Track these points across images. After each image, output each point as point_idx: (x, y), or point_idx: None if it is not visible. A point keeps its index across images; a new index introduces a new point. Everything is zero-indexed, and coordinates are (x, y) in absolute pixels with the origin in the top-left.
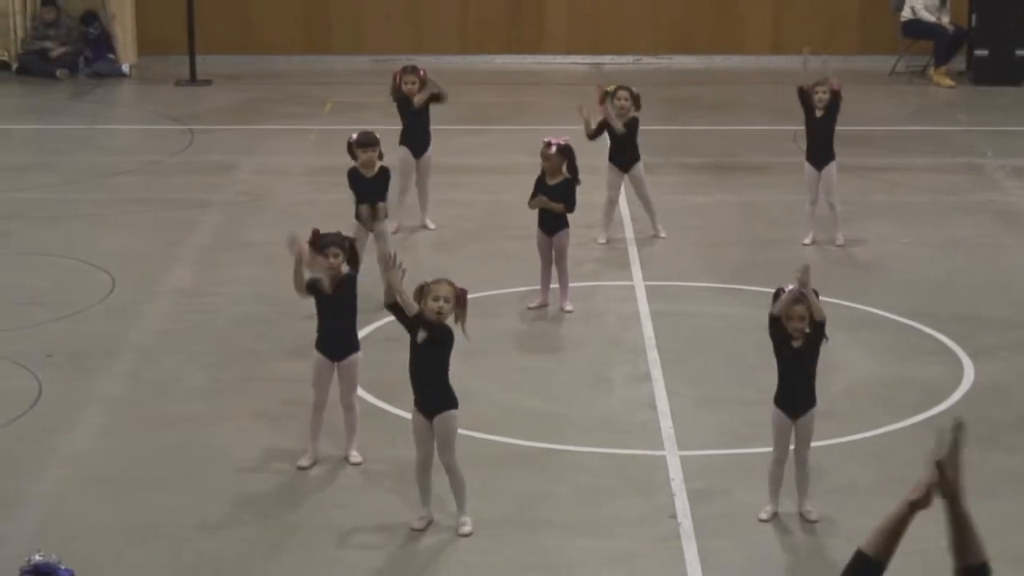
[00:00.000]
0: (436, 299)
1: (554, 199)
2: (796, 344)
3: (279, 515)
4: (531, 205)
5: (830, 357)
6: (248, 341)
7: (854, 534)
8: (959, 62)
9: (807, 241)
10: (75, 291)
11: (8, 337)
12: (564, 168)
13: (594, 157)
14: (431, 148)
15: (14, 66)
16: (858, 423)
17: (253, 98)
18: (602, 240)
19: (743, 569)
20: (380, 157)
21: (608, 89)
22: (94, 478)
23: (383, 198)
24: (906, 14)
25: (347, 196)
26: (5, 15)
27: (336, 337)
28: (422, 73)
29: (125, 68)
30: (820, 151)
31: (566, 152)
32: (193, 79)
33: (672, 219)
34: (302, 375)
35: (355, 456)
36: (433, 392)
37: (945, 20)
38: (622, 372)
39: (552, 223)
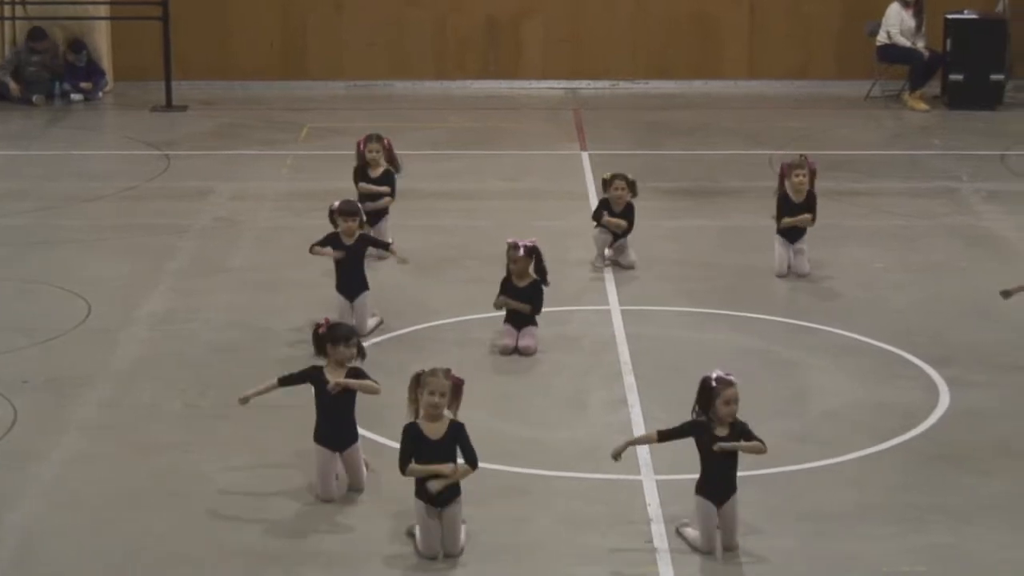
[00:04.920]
0: (432, 393)
1: (522, 301)
2: (721, 432)
3: (261, 543)
4: (496, 305)
5: (807, 381)
6: (226, 367)
7: (831, 558)
8: (934, 87)
9: (777, 271)
10: (51, 317)
11: None
12: (531, 270)
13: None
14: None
15: None
16: (835, 447)
17: (229, 123)
18: (600, 264)
19: None
20: (361, 226)
21: (605, 177)
22: (71, 505)
23: (361, 269)
24: (881, 38)
25: (323, 223)
26: None
27: (338, 429)
28: (386, 142)
29: (99, 93)
30: (792, 228)
31: (533, 253)
32: (169, 105)
33: (648, 243)
34: (280, 401)
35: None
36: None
37: (920, 45)
38: (599, 397)
39: (520, 320)
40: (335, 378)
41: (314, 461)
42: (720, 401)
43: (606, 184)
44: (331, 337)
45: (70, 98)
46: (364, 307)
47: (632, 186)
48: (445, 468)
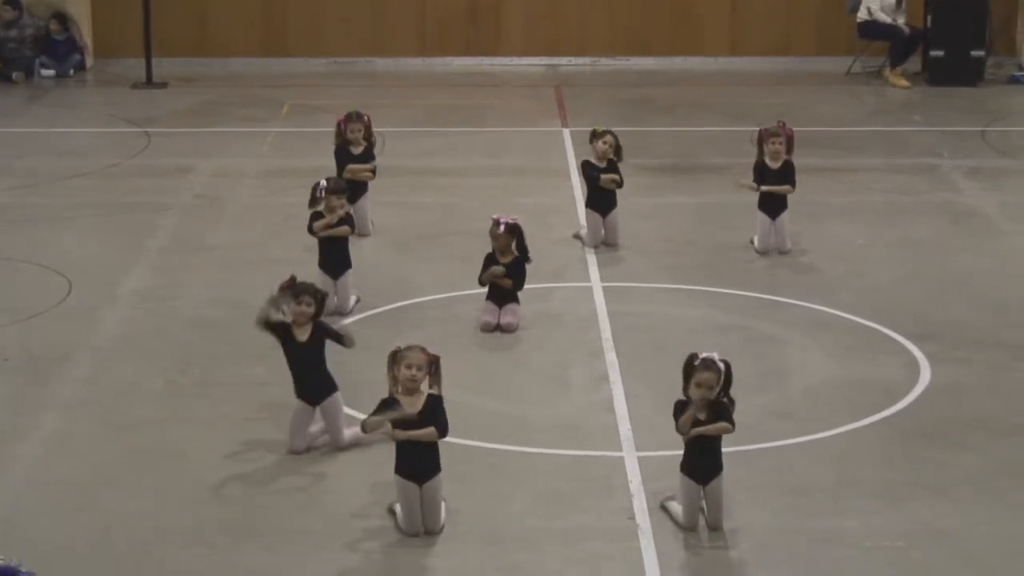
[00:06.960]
0: (409, 367)
1: (503, 278)
2: (701, 416)
3: (241, 519)
4: (481, 280)
5: (788, 357)
6: (207, 345)
7: (814, 534)
8: (915, 63)
9: (758, 248)
10: (31, 295)
11: None
12: (513, 247)
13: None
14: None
15: None
16: (816, 423)
17: (210, 101)
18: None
19: (702, 570)
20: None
21: (596, 129)
22: (52, 483)
23: (346, 247)
24: (862, 15)
25: (302, 200)
26: None
27: (314, 382)
28: (366, 119)
29: (71, 71)
30: (773, 199)
31: (514, 231)
32: (149, 82)
33: (630, 220)
34: (262, 379)
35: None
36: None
37: (901, 21)
38: (581, 374)
39: (502, 297)
40: (300, 335)
41: (292, 415)
42: (692, 382)
43: (594, 136)
44: (285, 293)
45: (41, 73)
46: (347, 286)
47: (618, 151)
48: (398, 414)
